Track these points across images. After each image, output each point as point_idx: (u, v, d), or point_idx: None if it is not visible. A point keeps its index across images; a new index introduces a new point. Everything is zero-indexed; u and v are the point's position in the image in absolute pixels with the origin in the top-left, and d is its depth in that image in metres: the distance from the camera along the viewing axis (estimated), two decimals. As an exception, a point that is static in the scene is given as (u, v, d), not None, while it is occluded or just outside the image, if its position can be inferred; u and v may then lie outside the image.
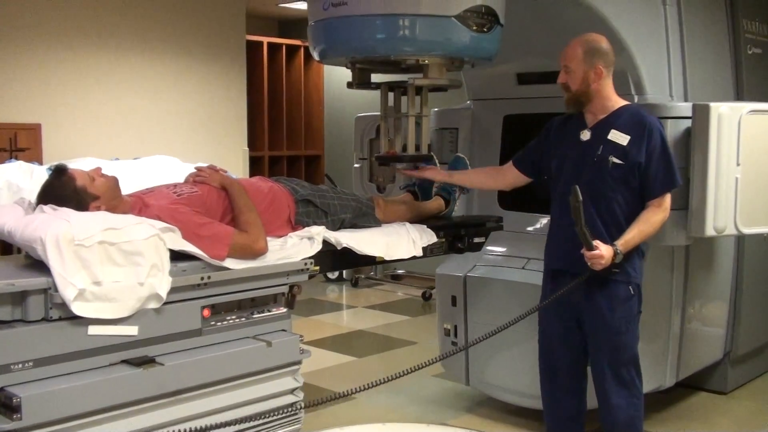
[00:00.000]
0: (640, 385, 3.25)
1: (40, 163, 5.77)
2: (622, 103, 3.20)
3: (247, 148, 7.70)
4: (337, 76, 8.60)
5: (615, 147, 3.10)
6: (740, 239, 4.37)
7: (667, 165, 3.11)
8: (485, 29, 3.21)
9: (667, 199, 3.14)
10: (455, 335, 4.28)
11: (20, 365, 2.27)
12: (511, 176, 3.52)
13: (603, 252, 2.99)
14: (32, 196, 2.84)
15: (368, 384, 2.74)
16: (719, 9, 4.31)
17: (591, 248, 2.99)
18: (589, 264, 3.02)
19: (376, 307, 7.20)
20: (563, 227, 3.17)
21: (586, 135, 3.18)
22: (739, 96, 4.37)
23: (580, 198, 2.91)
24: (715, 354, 4.41)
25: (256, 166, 8.20)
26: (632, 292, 3.17)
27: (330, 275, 8.03)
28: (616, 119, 3.15)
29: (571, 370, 3.32)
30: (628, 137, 3.09)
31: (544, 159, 3.36)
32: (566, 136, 3.26)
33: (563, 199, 3.10)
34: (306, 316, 6.63)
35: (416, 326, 6.43)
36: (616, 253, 3.01)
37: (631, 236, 3.07)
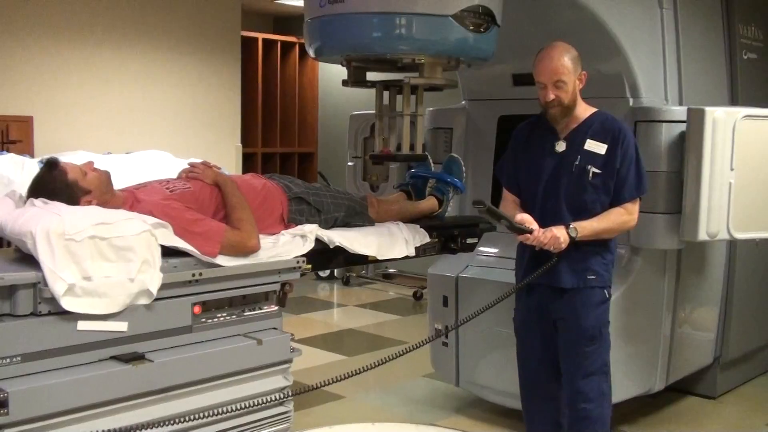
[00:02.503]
0: (609, 395, 3.22)
1: (32, 155, 5.74)
2: (591, 110, 3.18)
3: (240, 145, 7.68)
4: (331, 73, 8.58)
5: (592, 156, 3.09)
6: (732, 244, 4.37)
7: (638, 172, 3.11)
8: (482, 29, 3.19)
9: (635, 205, 3.14)
10: (446, 335, 4.27)
11: (8, 360, 2.25)
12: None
13: (556, 232, 3.00)
14: (23, 188, 2.82)
15: (355, 370, 2.71)
16: (715, 14, 4.31)
17: (527, 231, 3.02)
18: (551, 249, 3.03)
19: (366, 306, 7.19)
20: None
21: (561, 146, 3.16)
22: (734, 101, 4.37)
23: (483, 201, 2.98)
24: (705, 358, 4.41)
25: (248, 163, 8.18)
26: (606, 295, 3.18)
27: (321, 273, 8.01)
28: (588, 127, 3.13)
29: (550, 379, 3.30)
30: (605, 146, 3.09)
31: (518, 171, 3.30)
32: (537, 146, 3.22)
33: (543, 212, 3.12)
34: (296, 313, 6.62)
35: (407, 326, 6.42)
36: (568, 229, 3.02)
37: (588, 223, 3.07)
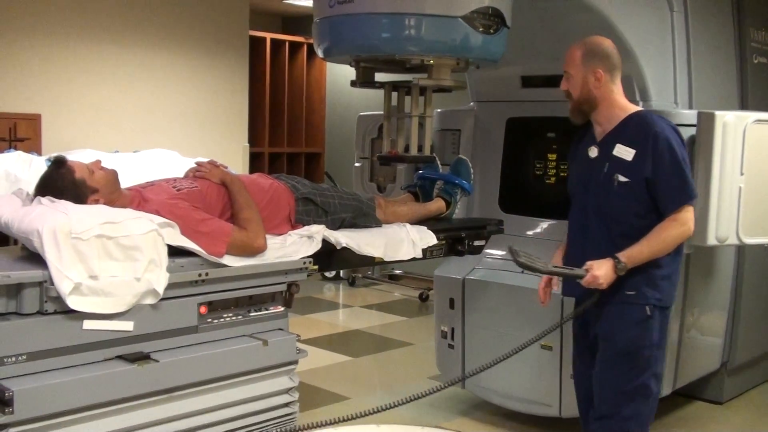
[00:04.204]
0: (643, 421, 2.92)
1: (39, 153, 5.75)
2: (631, 110, 2.93)
3: (247, 144, 7.68)
4: (339, 74, 8.57)
5: (620, 163, 2.83)
6: (740, 249, 4.34)
7: (679, 175, 2.80)
8: (491, 30, 3.18)
9: (686, 213, 2.81)
10: (452, 338, 4.25)
11: (13, 358, 2.25)
12: None
13: (596, 273, 2.77)
14: (30, 186, 2.83)
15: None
16: (726, 17, 4.29)
17: (581, 277, 2.80)
18: (594, 287, 2.83)
19: (372, 307, 7.17)
20: (573, 256, 2.96)
21: (593, 152, 2.94)
22: (744, 105, 4.35)
23: (518, 257, 2.78)
24: (713, 363, 4.39)
25: (255, 163, 8.18)
26: (648, 313, 2.86)
27: (327, 274, 8.00)
28: (621, 131, 2.88)
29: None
30: (633, 151, 2.82)
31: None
32: (580, 152, 3.04)
33: (578, 226, 2.98)
34: (302, 314, 6.60)
35: (413, 327, 6.40)
36: (617, 266, 2.78)
37: (639, 249, 2.79)
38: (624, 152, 2.84)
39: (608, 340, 2.93)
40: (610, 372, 2.92)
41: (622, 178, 2.83)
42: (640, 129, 2.84)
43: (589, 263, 2.81)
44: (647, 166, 2.80)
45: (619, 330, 2.89)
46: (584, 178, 2.98)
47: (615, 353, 2.90)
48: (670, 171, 2.80)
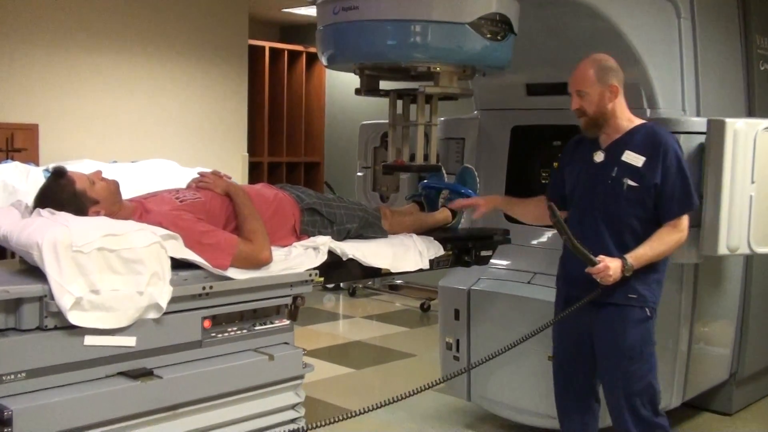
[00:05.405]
0: (661, 421, 3.10)
1: (37, 164, 5.69)
2: (637, 121, 3.12)
3: (246, 154, 7.63)
4: (338, 82, 8.54)
5: (629, 168, 3.02)
6: (748, 259, 4.30)
7: (684, 186, 3.02)
8: (499, 37, 3.13)
9: (684, 220, 3.05)
10: (457, 349, 4.20)
11: (12, 376, 2.17)
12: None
13: (609, 263, 2.93)
14: (28, 197, 2.76)
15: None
16: (733, 24, 4.25)
17: (593, 263, 2.95)
18: (598, 280, 2.97)
19: (373, 318, 7.11)
20: (573, 256, 3.04)
21: (599, 156, 3.11)
22: (751, 112, 4.31)
23: (557, 214, 2.92)
24: (721, 374, 4.34)
25: (255, 172, 8.13)
26: (648, 314, 3.06)
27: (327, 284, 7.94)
28: (630, 139, 3.07)
29: (581, 388, 3.26)
30: (643, 158, 3.01)
31: (566, 186, 3.26)
32: (580, 157, 3.20)
33: (582, 225, 3.09)
34: (302, 325, 6.54)
35: (415, 338, 6.34)
36: (625, 266, 2.95)
37: (643, 251, 2.99)
38: (634, 158, 3.03)
39: (611, 341, 3.07)
40: (617, 374, 3.08)
41: (631, 183, 3.02)
42: (650, 139, 3.05)
43: (601, 256, 2.96)
44: (657, 174, 3.00)
45: (622, 331, 3.05)
46: (589, 181, 3.14)
47: (620, 354, 3.06)
48: (675, 181, 3.01)
